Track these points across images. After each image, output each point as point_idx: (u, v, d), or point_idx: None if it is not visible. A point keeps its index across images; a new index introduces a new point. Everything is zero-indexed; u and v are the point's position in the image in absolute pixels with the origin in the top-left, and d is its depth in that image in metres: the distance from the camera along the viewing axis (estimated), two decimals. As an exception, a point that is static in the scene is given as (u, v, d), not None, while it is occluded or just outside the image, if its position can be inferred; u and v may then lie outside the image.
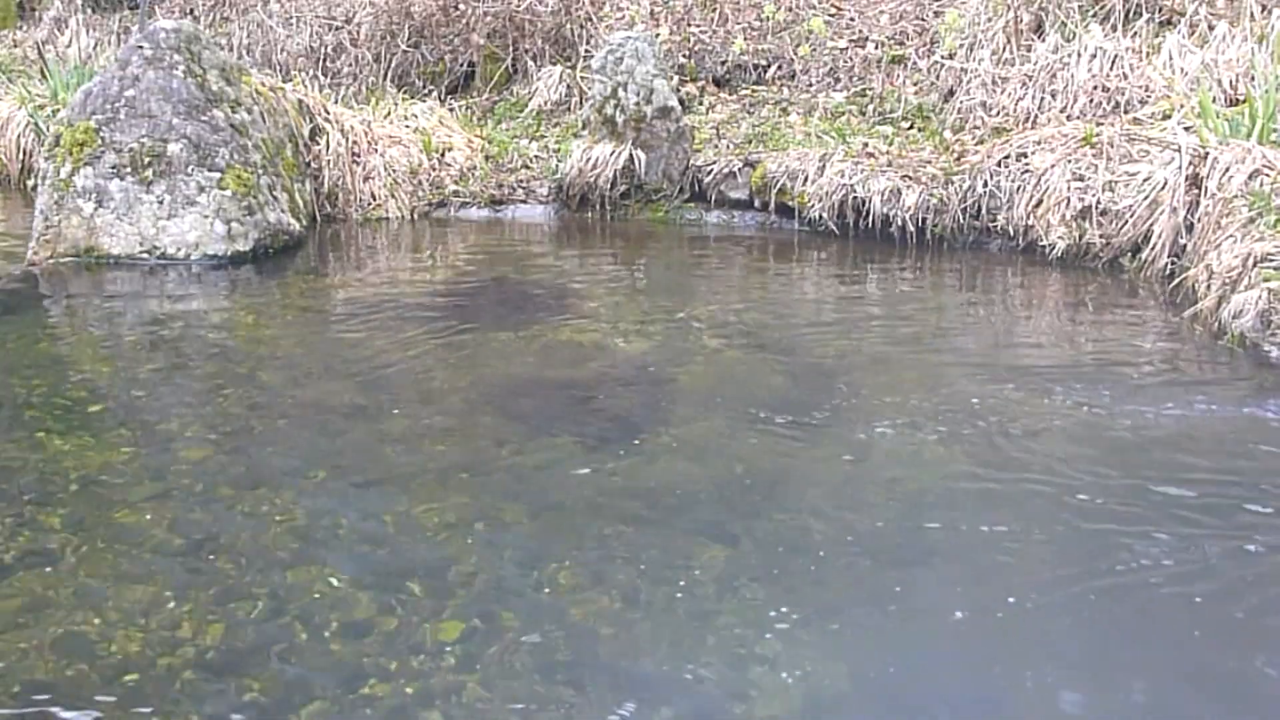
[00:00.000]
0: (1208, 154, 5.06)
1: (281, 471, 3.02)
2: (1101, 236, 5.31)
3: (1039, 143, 5.71)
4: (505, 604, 2.37)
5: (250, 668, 2.15)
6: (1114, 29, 6.41)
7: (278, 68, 8.72)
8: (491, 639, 2.24)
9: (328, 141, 6.63)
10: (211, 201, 5.45)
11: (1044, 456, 3.10)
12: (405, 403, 3.54)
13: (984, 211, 5.73)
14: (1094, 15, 6.54)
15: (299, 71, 8.36)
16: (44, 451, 3.14)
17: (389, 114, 7.28)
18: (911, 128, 6.78)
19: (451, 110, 7.82)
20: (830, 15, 7.96)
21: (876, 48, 7.58)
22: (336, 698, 2.06)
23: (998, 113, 6.36)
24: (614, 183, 6.64)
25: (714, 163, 6.65)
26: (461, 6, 8.23)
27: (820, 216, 6.09)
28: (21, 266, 5.37)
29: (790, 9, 8.03)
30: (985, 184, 5.70)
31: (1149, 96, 5.96)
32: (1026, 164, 5.65)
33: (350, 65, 8.59)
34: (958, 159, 6.02)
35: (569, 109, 7.73)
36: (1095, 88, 6.09)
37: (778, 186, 6.29)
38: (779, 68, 7.73)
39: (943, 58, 6.98)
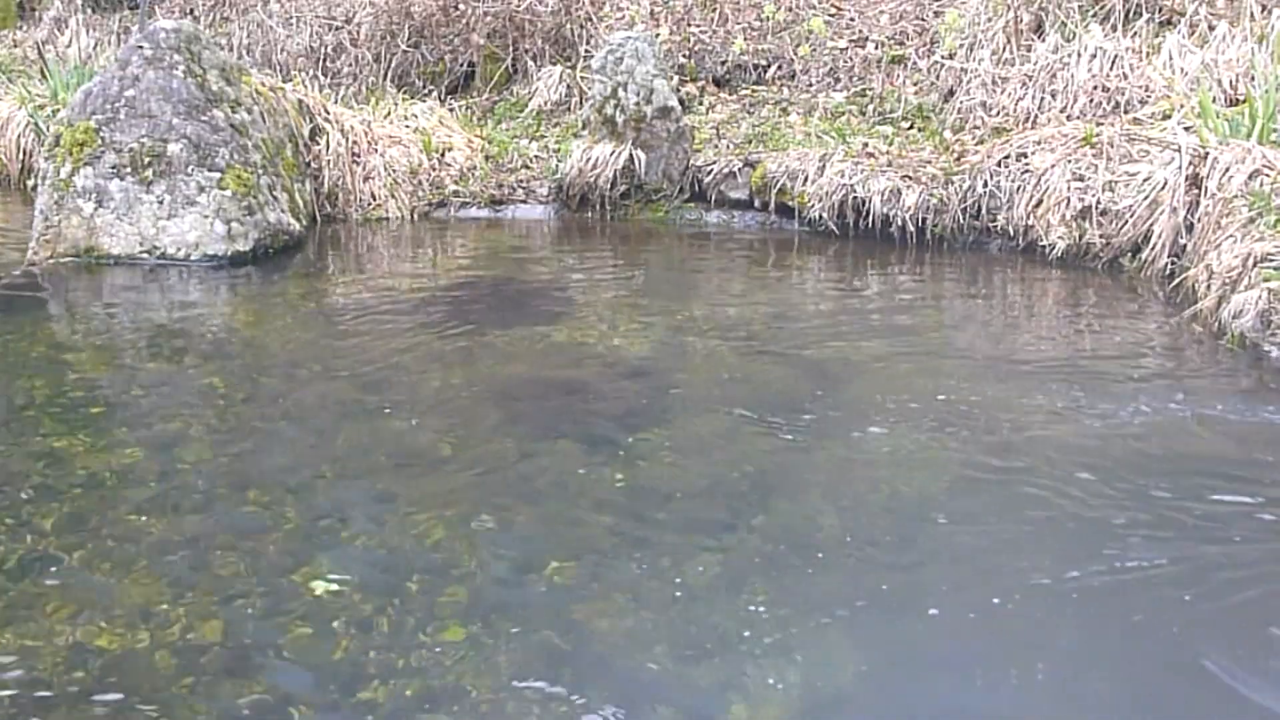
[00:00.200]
0: (1208, 154, 5.06)
1: (281, 471, 3.02)
2: (1101, 236, 5.31)
3: (1039, 143, 5.71)
4: (505, 604, 2.38)
5: (250, 668, 2.15)
6: (1114, 29, 6.42)
7: (278, 68, 8.72)
8: (491, 639, 2.24)
9: (328, 141, 6.63)
10: (211, 201, 5.45)
11: (1043, 456, 3.10)
12: (405, 402, 3.54)
13: (984, 211, 5.73)
14: (1094, 15, 6.54)
15: (299, 71, 8.36)
16: (44, 451, 3.14)
17: (389, 114, 7.28)
18: (911, 128, 6.78)
19: (451, 110, 7.82)
20: (830, 15, 7.97)
21: (876, 48, 7.58)
22: (336, 698, 2.07)
23: (998, 113, 6.36)
24: (614, 183, 6.63)
25: (714, 163, 6.65)
26: (461, 6, 8.22)
27: (820, 216, 6.09)
28: (21, 266, 5.37)
29: (790, 9, 8.03)
30: (985, 184, 5.70)
31: (1149, 96, 5.96)
32: (1026, 164, 5.65)
33: (350, 65, 8.59)
34: (958, 159, 6.03)
35: (569, 109, 7.73)
36: (1095, 88, 6.10)
37: (778, 186, 6.30)
38: (779, 68, 7.73)
39: (943, 58, 6.98)
